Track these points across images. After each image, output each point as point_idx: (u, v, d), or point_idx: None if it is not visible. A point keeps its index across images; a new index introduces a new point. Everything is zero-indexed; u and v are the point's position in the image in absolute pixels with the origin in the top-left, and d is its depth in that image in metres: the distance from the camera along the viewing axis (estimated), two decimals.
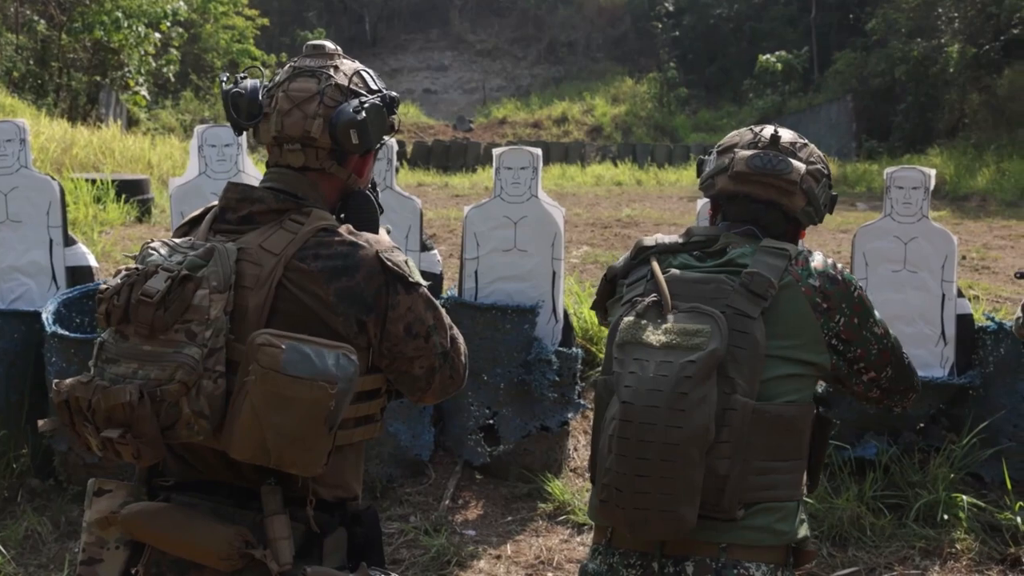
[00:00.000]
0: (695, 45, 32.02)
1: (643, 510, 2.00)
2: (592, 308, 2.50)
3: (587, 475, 5.08)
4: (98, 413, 1.81)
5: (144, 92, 21.25)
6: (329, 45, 2.11)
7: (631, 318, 2.12)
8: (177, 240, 1.97)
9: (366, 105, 2.02)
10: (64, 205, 5.25)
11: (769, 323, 2.09)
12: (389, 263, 1.97)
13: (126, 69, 20.56)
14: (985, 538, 4.42)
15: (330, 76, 2.04)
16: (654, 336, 2.06)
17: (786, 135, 2.32)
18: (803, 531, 2.12)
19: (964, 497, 4.53)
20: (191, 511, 1.92)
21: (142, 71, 20.96)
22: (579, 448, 5.29)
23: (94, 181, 10.75)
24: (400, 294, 1.97)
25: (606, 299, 2.36)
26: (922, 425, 4.94)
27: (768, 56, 28.16)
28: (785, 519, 2.08)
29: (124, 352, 1.84)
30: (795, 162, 2.26)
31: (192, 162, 5.25)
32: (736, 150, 2.31)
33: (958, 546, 4.36)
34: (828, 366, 2.18)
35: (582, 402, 5.25)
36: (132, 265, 1.91)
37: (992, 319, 4.99)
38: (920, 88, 23.33)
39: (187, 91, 25.57)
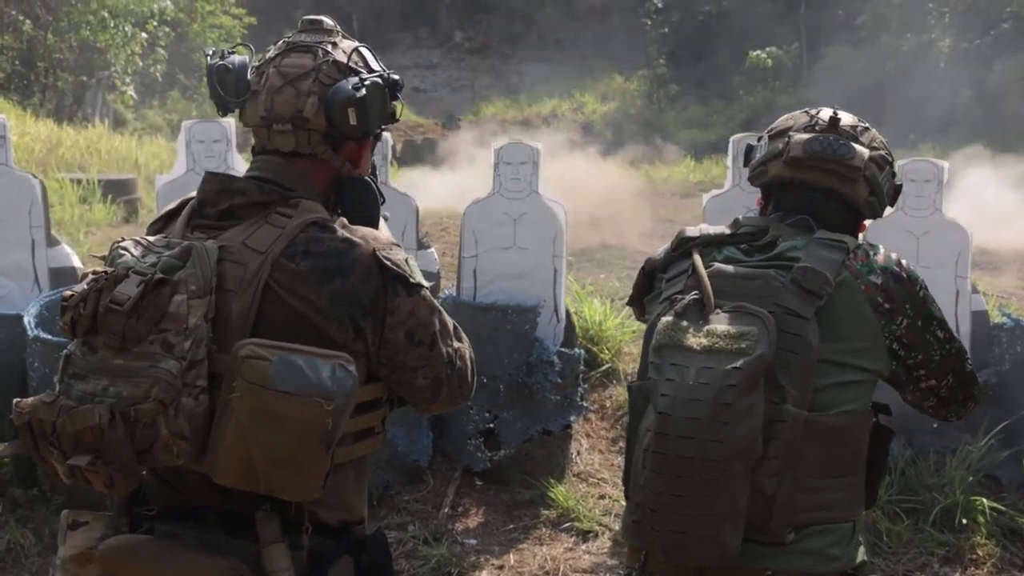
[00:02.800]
0: (684, 42, 31.88)
1: (680, 533, 1.81)
2: (628, 304, 2.28)
3: (591, 480, 4.93)
4: (64, 437, 1.61)
5: (131, 92, 21.02)
6: (327, 21, 1.91)
7: (669, 318, 1.92)
8: (151, 238, 1.76)
9: (366, 83, 1.81)
10: (47, 204, 5.07)
11: (824, 324, 1.88)
12: (387, 262, 1.76)
13: (113, 69, 20.32)
14: (1006, 543, 4.28)
15: (327, 52, 1.84)
16: (695, 339, 1.86)
17: (846, 117, 2.11)
18: (860, 556, 1.93)
19: (984, 500, 4.39)
20: (177, 543, 1.72)
21: (129, 71, 20.72)
22: (582, 452, 5.13)
23: (80, 181, 10.56)
24: (400, 296, 1.78)
25: (644, 295, 2.15)
26: (936, 425, 4.79)
27: (758, 52, 28.03)
28: (839, 542, 1.89)
29: (92, 367, 1.64)
30: (857, 147, 2.05)
31: (180, 158, 5.09)
32: (791, 133, 2.08)
33: (979, 552, 4.21)
34: (887, 372, 1.98)
35: (585, 405, 5.10)
36: (100, 268, 1.71)
37: (1008, 315, 4.86)
38: (910, 83, 23.25)
39: (174, 91, 25.33)
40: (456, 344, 1.89)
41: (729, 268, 1.98)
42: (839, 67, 25.59)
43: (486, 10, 35.33)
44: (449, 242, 9.28)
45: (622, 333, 5.70)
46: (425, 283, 1.84)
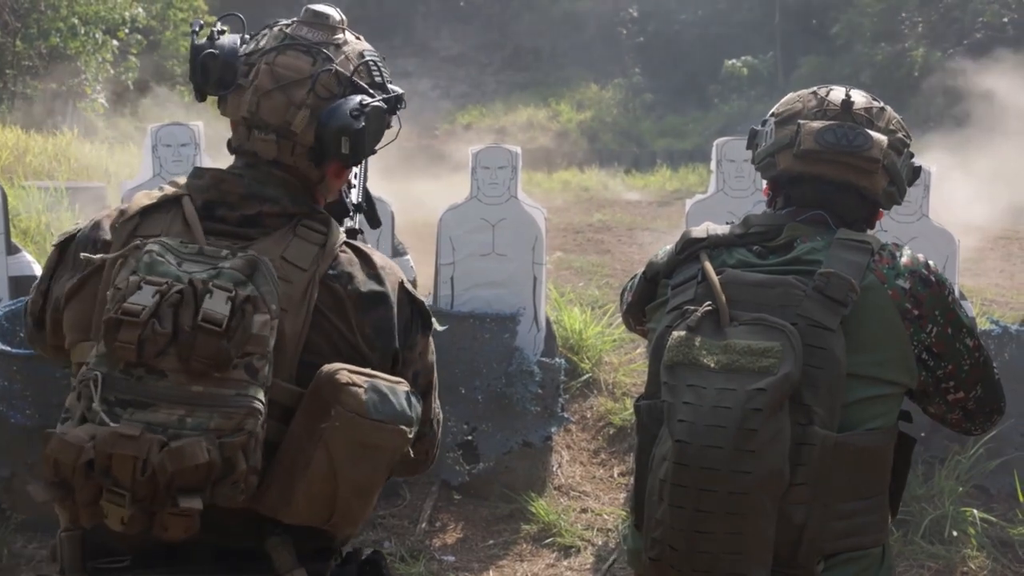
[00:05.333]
0: (660, 51, 31.94)
1: (705, 573, 1.68)
2: (625, 312, 2.11)
3: (572, 493, 4.80)
4: (160, 476, 1.38)
5: (102, 100, 20.77)
6: (335, 15, 1.69)
7: (682, 333, 1.75)
8: (170, 242, 1.52)
9: (367, 109, 1.61)
10: (7, 211, 4.90)
11: (847, 333, 1.72)
12: (414, 294, 1.66)
13: (83, 76, 20.08)
14: (997, 555, 4.18)
15: (329, 58, 1.63)
16: (711, 356, 1.70)
17: (859, 99, 1.93)
18: None
19: (975, 511, 4.29)
20: None
21: (99, 78, 20.48)
22: (563, 464, 5.00)
23: (47, 189, 10.36)
24: (418, 334, 1.67)
25: (645, 303, 1.98)
26: (923, 434, 4.69)
27: (733, 61, 28.12)
28: (868, 569, 1.77)
29: (162, 394, 1.41)
30: (874, 134, 1.88)
31: (145, 163, 4.93)
32: (800, 121, 1.90)
33: (971, 564, 4.11)
34: (915, 384, 1.83)
35: (565, 415, 4.97)
36: (155, 278, 1.45)
37: (996, 322, 4.77)
38: (885, 92, 23.34)
39: (147, 99, 25.08)
40: (436, 407, 1.77)
41: (743, 274, 1.82)
42: (814, 76, 25.67)
43: (462, 19, 35.27)
44: (424, 250, 9.14)
45: (602, 342, 5.59)
46: (439, 327, 1.72)
